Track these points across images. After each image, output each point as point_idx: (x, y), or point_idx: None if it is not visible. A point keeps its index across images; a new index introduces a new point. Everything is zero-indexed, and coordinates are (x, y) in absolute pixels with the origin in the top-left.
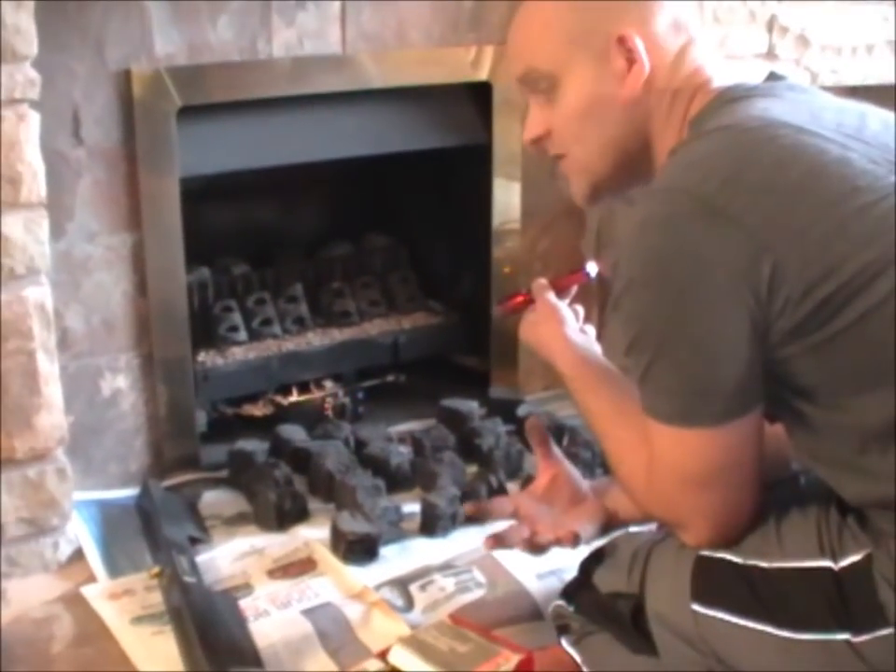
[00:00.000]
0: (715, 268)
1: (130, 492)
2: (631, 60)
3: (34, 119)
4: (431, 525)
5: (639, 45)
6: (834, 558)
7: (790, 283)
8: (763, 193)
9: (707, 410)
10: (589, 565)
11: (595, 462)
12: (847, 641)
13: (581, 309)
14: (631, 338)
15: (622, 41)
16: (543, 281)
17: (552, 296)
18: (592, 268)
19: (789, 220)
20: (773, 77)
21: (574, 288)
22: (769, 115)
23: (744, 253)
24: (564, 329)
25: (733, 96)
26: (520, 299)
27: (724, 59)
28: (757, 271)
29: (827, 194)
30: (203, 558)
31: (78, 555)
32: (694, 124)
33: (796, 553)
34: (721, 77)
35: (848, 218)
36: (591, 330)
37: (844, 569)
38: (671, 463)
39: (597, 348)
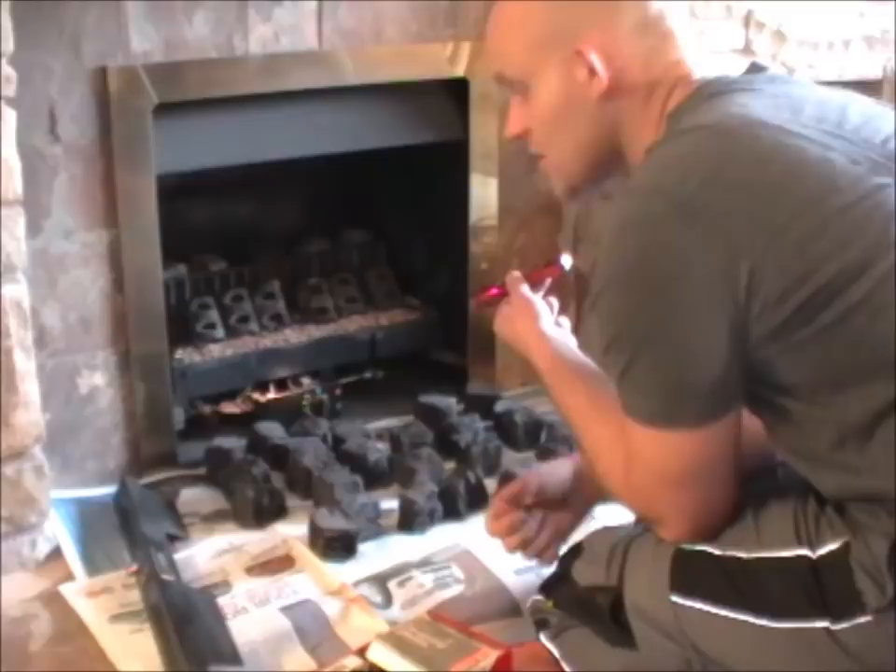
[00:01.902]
0: (693, 270)
1: (107, 489)
2: (592, 70)
3: (10, 117)
4: (409, 521)
5: (596, 59)
6: (812, 547)
7: (768, 286)
8: (742, 193)
9: (685, 411)
10: (567, 559)
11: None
12: (825, 629)
13: (555, 302)
14: (609, 338)
15: (579, 55)
16: (517, 274)
17: (526, 289)
18: (566, 261)
19: (767, 221)
20: (754, 68)
21: (548, 281)
22: (749, 113)
23: (722, 256)
24: (539, 323)
25: (712, 91)
26: (494, 292)
27: (706, 51)
28: (735, 274)
29: (806, 193)
30: (181, 556)
31: (56, 553)
32: (673, 119)
33: (774, 543)
34: (702, 70)
35: (828, 218)
36: (566, 323)
37: (821, 558)
38: (648, 461)
39: (573, 342)
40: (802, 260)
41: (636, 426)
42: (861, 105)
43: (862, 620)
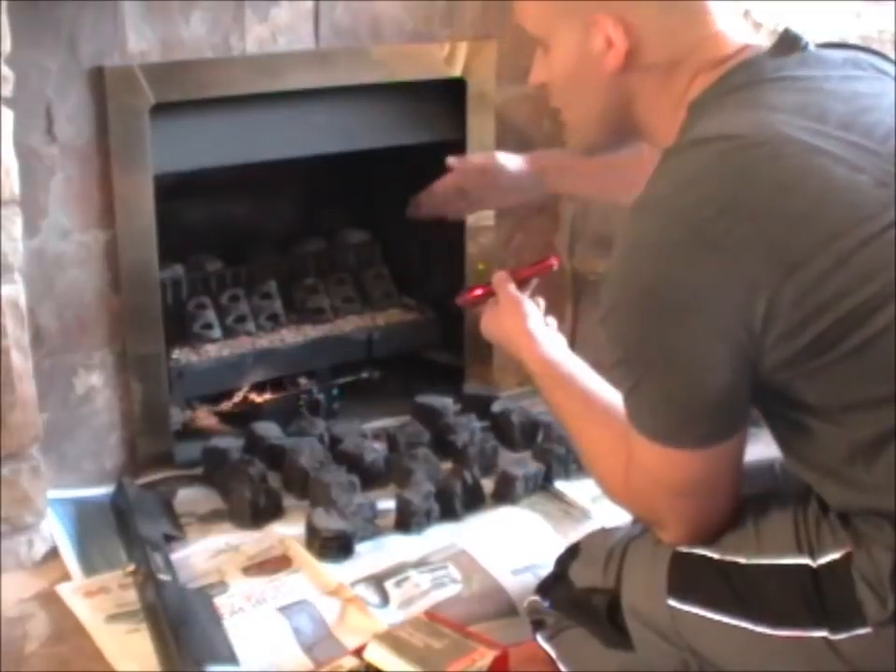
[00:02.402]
0: (707, 301)
1: (104, 489)
2: (610, 42)
3: (7, 117)
4: (406, 521)
5: (614, 31)
6: (812, 555)
7: (784, 318)
8: (763, 224)
9: (691, 434)
10: (564, 560)
11: (569, 458)
12: (824, 638)
13: (542, 301)
14: (617, 358)
15: (597, 24)
16: (504, 273)
17: (513, 289)
18: (554, 260)
19: (788, 254)
20: (787, 38)
21: (535, 281)
22: (774, 124)
23: (739, 289)
24: (528, 323)
25: (739, 82)
26: (480, 291)
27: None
28: (751, 307)
29: (830, 225)
30: (177, 556)
31: (53, 553)
32: (694, 110)
33: (773, 550)
34: (731, 48)
35: (851, 252)
36: (554, 323)
37: (822, 567)
38: (651, 471)
39: (563, 341)
40: (821, 293)
41: (640, 438)
42: (894, 97)
43: (862, 631)
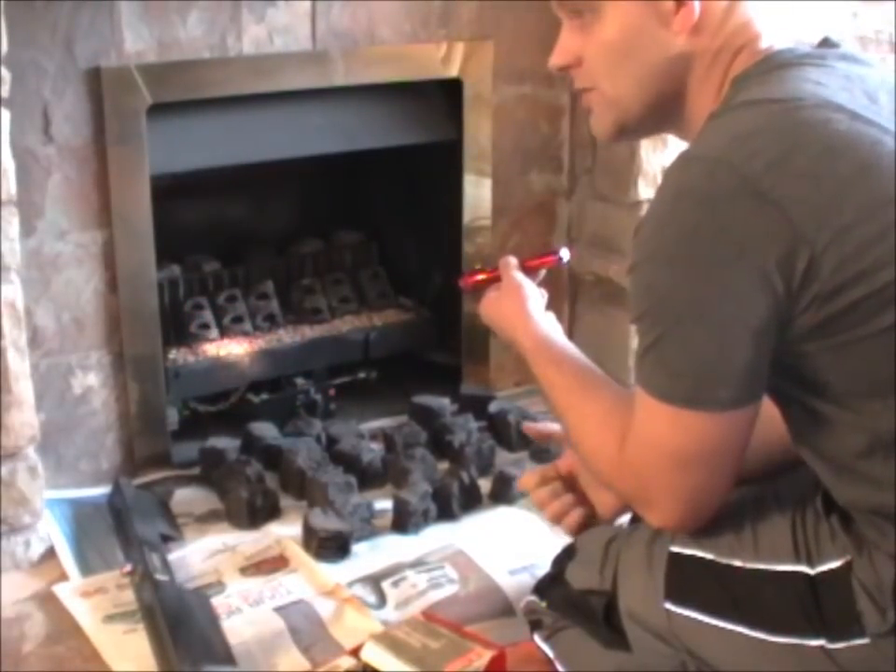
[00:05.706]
0: (750, 253)
1: (101, 490)
2: (680, 2)
3: (3, 117)
4: (403, 521)
5: None
6: (811, 562)
7: (822, 279)
8: (811, 183)
9: (714, 395)
10: (561, 560)
11: None
12: (821, 647)
13: (546, 293)
14: (644, 309)
15: None
16: (513, 259)
17: (518, 273)
18: (564, 253)
19: (833, 216)
20: (826, 42)
21: (543, 272)
22: (823, 93)
23: (783, 241)
24: (527, 304)
25: (782, 61)
26: (484, 276)
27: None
28: (792, 262)
29: (877, 193)
30: (174, 556)
31: (50, 554)
32: (739, 84)
33: (770, 555)
34: (772, 36)
35: (893, 223)
36: (553, 317)
37: (821, 575)
38: (658, 440)
39: (559, 328)
40: (859, 262)
41: (651, 401)
42: None
43: (860, 642)
